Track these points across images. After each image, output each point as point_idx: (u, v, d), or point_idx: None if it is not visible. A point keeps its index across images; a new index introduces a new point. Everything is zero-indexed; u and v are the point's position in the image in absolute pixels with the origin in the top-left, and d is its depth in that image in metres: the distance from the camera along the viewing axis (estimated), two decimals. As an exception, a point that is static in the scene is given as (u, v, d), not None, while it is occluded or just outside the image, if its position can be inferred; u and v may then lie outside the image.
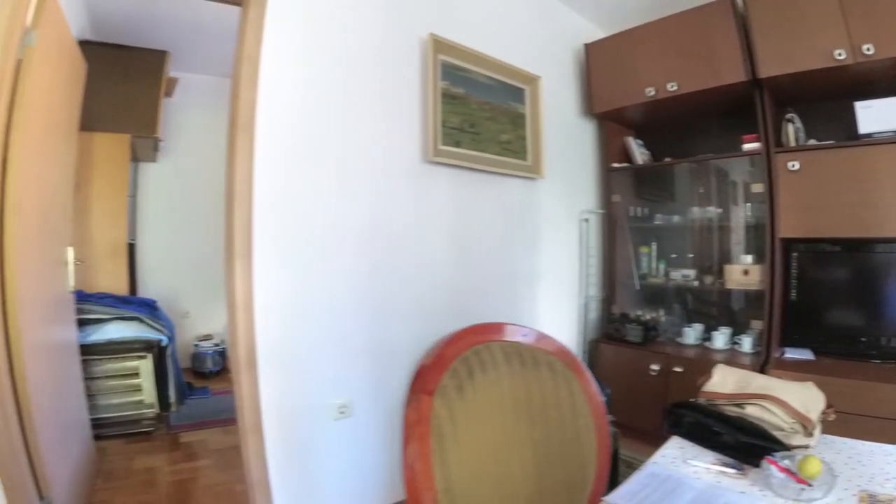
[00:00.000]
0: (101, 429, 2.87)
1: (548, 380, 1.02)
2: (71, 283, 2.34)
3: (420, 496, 0.79)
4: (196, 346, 4.46)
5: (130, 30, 3.55)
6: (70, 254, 2.31)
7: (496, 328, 1.00)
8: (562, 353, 1.06)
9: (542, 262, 3.05)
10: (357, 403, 2.19)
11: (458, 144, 2.47)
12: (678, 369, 2.82)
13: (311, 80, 2.07)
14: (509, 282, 2.86)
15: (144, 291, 4.19)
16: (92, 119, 3.03)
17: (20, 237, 1.66)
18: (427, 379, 0.85)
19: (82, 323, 2.88)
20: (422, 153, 2.40)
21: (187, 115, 4.53)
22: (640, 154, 3.41)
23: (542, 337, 1.05)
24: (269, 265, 1.96)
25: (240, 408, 1.97)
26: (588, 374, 1.08)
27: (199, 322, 4.64)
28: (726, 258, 3.09)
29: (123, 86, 3.58)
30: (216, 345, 4.52)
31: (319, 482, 2.11)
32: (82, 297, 3.04)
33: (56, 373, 2.15)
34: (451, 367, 0.89)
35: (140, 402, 3.11)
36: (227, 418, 3.45)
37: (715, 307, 3.28)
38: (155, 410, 3.16)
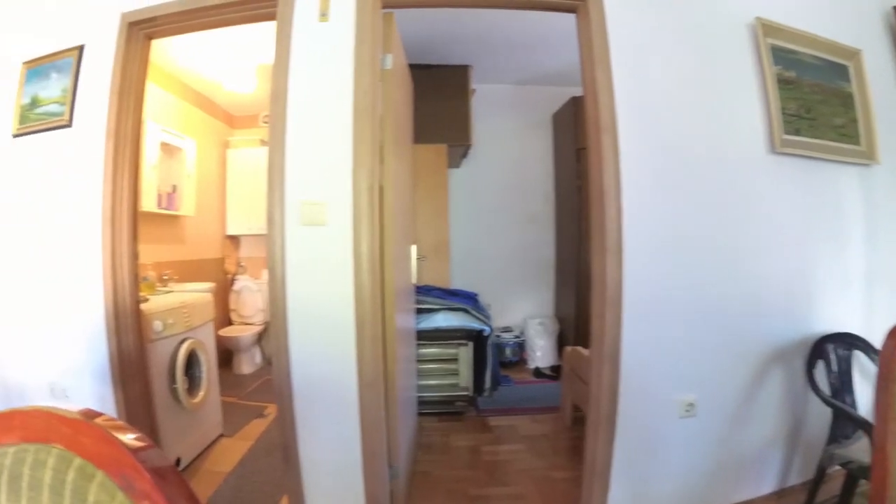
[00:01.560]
0: (419, 406, 3.22)
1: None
2: (414, 277, 2.67)
3: (886, 474, 0.93)
4: (497, 336, 4.74)
5: (425, 49, 3.90)
6: (413, 251, 2.64)
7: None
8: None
9: (877, 262, 2.52)
10: (701, 403, 2.15)
11: (797, 132, 2.32)
12: None
13: (643, 78, 2.08)
14: (841, 284, 2.43)
15: (453, 285, 4.60)
16: (415, 132, 3.44)
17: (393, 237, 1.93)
18: (891, 367, 0.96)
19: (416, 311, 3.29)
20: (765, 145, 2.25)
21: (482, 122, 4.86)
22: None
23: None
24: (632, 260, 1.99)
25: (595, 398, 2.01)
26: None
27: (499, 314, 4.92)
28: None
29: (438, 101, 4.03)
30: (516, 337, 4.76)
31: (656, 478, 2.13)
32: (417, 290, 3.47)
33: (405, 354, 2.47)
34: (897, 356, 0.98)
35: (456, 384, 3.41)
36: (530, 407, 3.59)
37: None
38: (468, 394, 3.42)
